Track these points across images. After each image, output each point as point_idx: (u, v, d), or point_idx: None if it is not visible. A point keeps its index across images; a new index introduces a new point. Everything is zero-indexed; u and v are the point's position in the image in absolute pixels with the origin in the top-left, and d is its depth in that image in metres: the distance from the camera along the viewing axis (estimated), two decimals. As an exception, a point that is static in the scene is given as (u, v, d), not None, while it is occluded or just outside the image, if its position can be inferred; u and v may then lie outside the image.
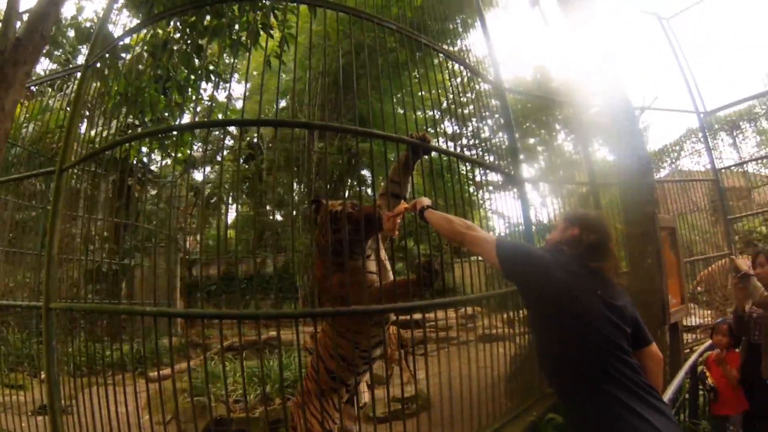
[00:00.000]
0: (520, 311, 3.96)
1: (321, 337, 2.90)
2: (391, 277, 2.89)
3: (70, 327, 3.90)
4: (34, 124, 5.67)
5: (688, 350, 4.97)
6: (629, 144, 4.46)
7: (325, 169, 9.38)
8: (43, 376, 4.81)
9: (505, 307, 3.94)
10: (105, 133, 3.85)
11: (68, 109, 4.21)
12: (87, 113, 4.24)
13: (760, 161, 9.28)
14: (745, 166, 8.62)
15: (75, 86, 3.99)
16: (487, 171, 4.22)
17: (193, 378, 4.62)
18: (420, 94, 3.60)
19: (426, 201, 2.49)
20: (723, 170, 8.03)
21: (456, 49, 4.69)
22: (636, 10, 8.35)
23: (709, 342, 4.31)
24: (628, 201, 4.25)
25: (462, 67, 3.94)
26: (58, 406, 3.36)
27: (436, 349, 5.16)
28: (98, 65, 3.87)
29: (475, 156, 3.95)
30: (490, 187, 5.83)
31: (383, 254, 2.91)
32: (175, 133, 4.95)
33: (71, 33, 5.52)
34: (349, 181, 10.00)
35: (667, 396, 2.74)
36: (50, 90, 5.64)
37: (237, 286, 2.71)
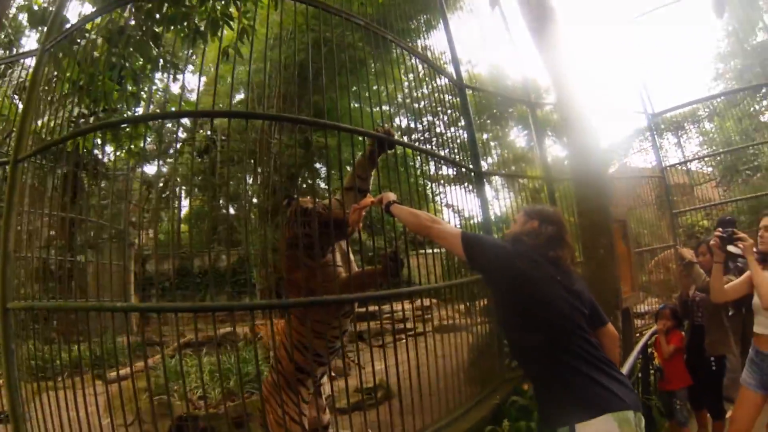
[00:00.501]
0: (477, 302, 4.09)
1: (287, 330, 2.92)
2: (356, 269, 2.94)
3: (20, 329, 3.70)
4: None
5: (638, 334, 5.25)
6: (583, 140, 4.63)
7: (282, 163, 9.28)
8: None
9: (462, 298, 4.05)
10: (53, 123, 3.68)
11: (15, 96, 3.97)
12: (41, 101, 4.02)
13: (701, 160, 9.88)
14: (688, 164, 9.13)
15: (31, 71, 3.77)
16: (444, 165, 4.29)
17: (153, 376, 4.52)
18: (380, 89, 3.59)
19: (392, 196, 2.53)
20: (669, 168, 8.49)
21: (419, 46, 4.75)
22: (597, 16, 8.69)
23: (655, 327, 4.56)
24: (582, 195, 4.42)
25: (424, 64, 3.98)
26: (20, 413, 3.20)
27: (393, 341, 5.23)
28: (54, 50, 3.68)
29: (433, 150, 4.01)
30: (442, 181, 5.94)
31: (346, 248, 2.96)
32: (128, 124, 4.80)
33: (22, 16, 5.20)
34: (306, 173, 9.89)
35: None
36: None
37: (192, 281, 2.69)
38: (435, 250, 3.70)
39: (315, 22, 3.32)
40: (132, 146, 5.19)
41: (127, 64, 4.33)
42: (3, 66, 5.28)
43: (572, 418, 1.84)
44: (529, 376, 2.16)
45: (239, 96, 11.88)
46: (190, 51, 4.07)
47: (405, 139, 4.02)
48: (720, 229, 3.25)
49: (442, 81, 4.33)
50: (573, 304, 2.01)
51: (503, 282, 2.08)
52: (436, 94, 4.18)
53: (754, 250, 3.17)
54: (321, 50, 3.18)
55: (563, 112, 4.91)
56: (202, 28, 4.50)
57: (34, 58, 3.93)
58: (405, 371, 3.04)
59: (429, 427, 3.15)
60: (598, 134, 5.04)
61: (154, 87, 4.93)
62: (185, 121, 11.77)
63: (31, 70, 4.08)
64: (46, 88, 4.09)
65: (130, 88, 4.48)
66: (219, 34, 4.21)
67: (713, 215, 9.41)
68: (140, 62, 4.70)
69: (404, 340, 3.27)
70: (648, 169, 8.80)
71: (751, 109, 10.53)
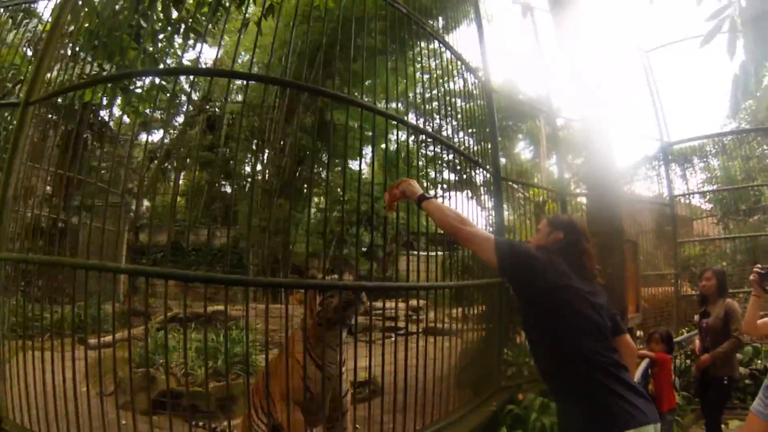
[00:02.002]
0: (472, 307, 4.05)
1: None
2: None
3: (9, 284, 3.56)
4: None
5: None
6: (602, 159, 4.60)
7: (293, 144, 9.15)
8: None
9: (457, 302, 3.99)
10: (64, 77, 3.55)
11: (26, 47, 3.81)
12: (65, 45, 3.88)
13: (703, 195, 9.93)
14: (690, 197, 9.16)
15: (54, 13, 3.63)
16: (456, 167, 4.21)
17: (138, 347, 4.39)
18: (406, 78, 3.47)
19: (417, 187, 2.40)
20: (676, 198, 8.51)
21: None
22: (620, 39, 8.73)
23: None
24: (596, 213, 4.38)
25: (457, 61, 3.89)
26: (1, 371, 3.07)
27: (382, 338, 5.18)
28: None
29: (459, 147, 3.90)
30: (445, 186, 5.85)
31: None
32: (140, 84, 4.66)
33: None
34: (314, 159, 9.71)
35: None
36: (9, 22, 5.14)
37: (184, 256, 2.59)
38: (431, 253, 3.62)
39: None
40: (140, 108, 5.04)
41: (145, 24, 4.22)
42: (20, 15, 5.13)
43: None
44: (552, 388, 2.08)
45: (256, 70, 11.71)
46: (210, 21, 3.91)
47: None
48: (759, 266, 3.33)
49: (470, 80, 4.24)
50: (599, 315, 1.97)
51: (534, 291, 2.01)
52: (463, 91, 4.09)
53: None
54: (349, 31, 3.06)
55: (583, 122, 4.88)
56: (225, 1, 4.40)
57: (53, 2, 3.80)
58: (393, 370, 3.00)
59: (428, 428, 3.08)
60: (616, 154, 5.01)
61: (174, 49, 4.78)
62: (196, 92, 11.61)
63: (46, 19, 3.95)
64: (64, 39, 3.95)
65: (149, 49, 4.36)
66: (243, 8, 4.12)
67: (709, 251, 9.47)
68: (161, 24, 4.59)
69: (393, 339, 3.19)
70: (654, 197, 8.80)
71: (759, 150, 10.59)
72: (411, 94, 3.60)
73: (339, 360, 2.93)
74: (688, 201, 9.27)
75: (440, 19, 5.19)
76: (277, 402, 2.81)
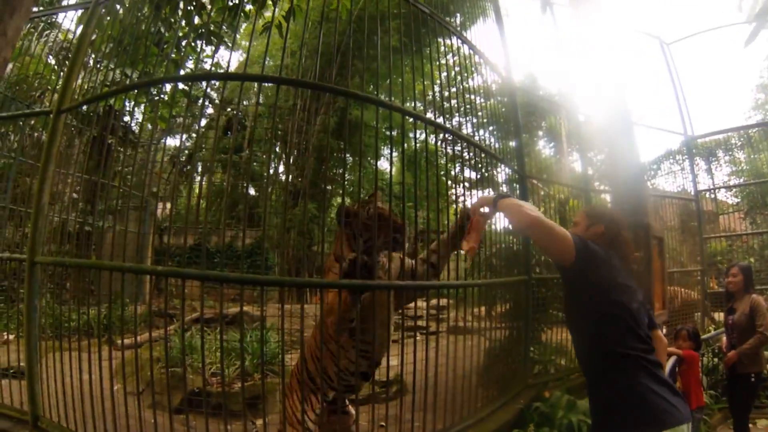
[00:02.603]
0: (497, 305, 4.04)
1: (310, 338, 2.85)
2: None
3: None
4: (13, 66, 5.31)
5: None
6: (625, 154, 4.54)
7: (314, 145, 9.19)
8: (5, 337, 4.53)
9: (482, 301, 3.98)
10: (88, 85, 3.63)
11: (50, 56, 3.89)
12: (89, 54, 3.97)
13: (729, 189, 9.70)
14: (716, 192, 8.97)
15: (85, 21, 3.72)
16: (478, 166, 4.18)
17: (168, 347, 4.47)
18: (426, 77, 3.44)
19: (491, 194, 2.32)
20: (700, 193, 8.35)
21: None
22: (641, 32, 8.59)
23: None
24: (621, 208, 4.31)
25: (478, 58, 3.88)
26: (36, 371, 3.12)
27: (412, 336, 5.18)
28: (107, 4, 3.63)
29: (484, 145, 3.88)
30: (467, 184, 5.79)
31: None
32: (166, 89, 4.74)
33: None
34: (335, 158, 9.72)
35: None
36: (33, 32, 5.29)
37: (204, 256, 2.60)
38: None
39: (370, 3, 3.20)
40: (163, 112, 5.13)
41: (167, 33, 4.29)
42: (42, 25, 5.26)
43: (632, 431, 1.79)
44: (592, 383, 2.03)
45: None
46: (235, 24, 3.97)
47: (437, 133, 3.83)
48: None
49: (492, 78, 4.23)
50: (639, 309, 1.97)
51: (596, 288, 1.97)
52: (484, 88, 4.08)
53: None
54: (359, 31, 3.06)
55: (605, 117, 4.82)
56: (249, 7, 4.45)
57: (80, 11, 3.89)
58: (419, 369, 2.99)
59: (456, 425, 3.08)
60: (637, 147, 4.94)
61: (197, 55, 4.85)
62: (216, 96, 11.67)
63: (73, 29, 4.05)
64: (90, 48, 4.04)
65: (172, 55, 4.42)
66: (267, 11, 4.15)
67: (736, 246, 9.26)
68: (185, 30, 4.66)
69: (417, 338, 3.20)
70: (679, 193, 8.64)
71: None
72: (431, 93, 3.59)
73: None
74: (713, 196, 9.08)
75: (458, 15, 5.16)
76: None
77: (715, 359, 6.02)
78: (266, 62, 4.00)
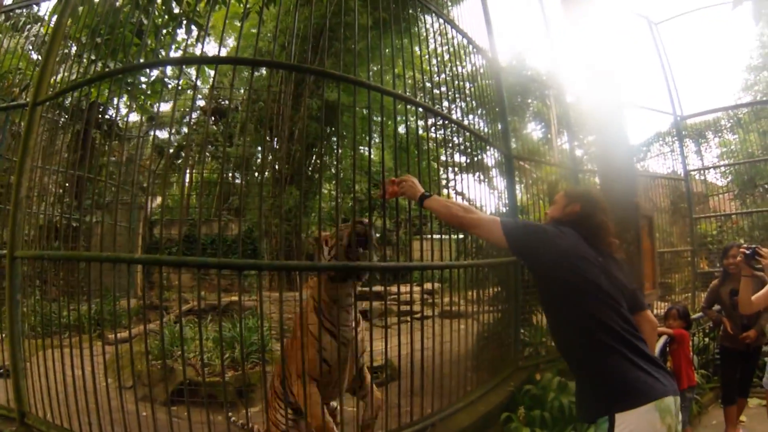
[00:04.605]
0: (487, 289, 4.04)
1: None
2: None
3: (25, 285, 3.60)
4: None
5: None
6: (615, 135, 4.52)
7: (300, 131, 9.06)
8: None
9: (470, 283, 3.97)
10: (68, 76, 3.55)
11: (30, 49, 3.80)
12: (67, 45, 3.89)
13: (718, 170, 9.73)
14: (705, 172, 9.00)
15: (58, 11, 3.63)
16: (465, 149, 4.15)
17: (155, 341, 4.44)
18: (409, 57, 3.38)
19: (419, 186, 2.40)
20: (690, 173, 8.37)
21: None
22: (628, 11, 8.53)
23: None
24: (610, 189, 4.30)
25: (462, 38, 3.82)
26: (20, 368, 3.09)
27: (398, 323, 5.16)
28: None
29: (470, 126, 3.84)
30: (456, 168, 5.76)
31: None
32: (144, 80, 4.66)
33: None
34: (324, 144, 9.62)
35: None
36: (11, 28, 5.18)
37: (180, 244, 2.57)
38: (444, 236, 3.59)
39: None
40: (147, 103, 5.05)
41: (146, 21, 4.20)
42: (23, 19, 5.16)
43: (614, 407, 1.75)
44: (571, 364, 2.04)
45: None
46: (210, 12, 3.88)
47: (426, 118, 3.78)
48: (745, 245, 3.42)
49: (478, 60, 4.17)
50: (615, 286, 1.94)
51: (545, 264, 2.00)
52: (469, 72, 4.02)
53: None
54: (350, 11, 2.99)
55: (593, 98, 4.79)
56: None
57: (54, 1, 3.80)
58: (409, 353, 2.98)
59: (446, 409, 3.07)
60: (626, 128, 4.91)
61: (176, 43, 4.77)
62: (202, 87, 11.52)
63: (50, 21, 3.95)
64: (67, 40, 3.95)
65: (150, 42, 4.34)
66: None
67: (726, 227, 9.30)
68: (163, 18, 4.57)
69: (409, 323, 3.18)
70: (669, 174, 8.65)
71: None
72: (418, 75, 3.53)
73: (355, 319, 2.78)
74: (703, 177, 9.11)
75: None
76: (293, 382, 2.78)
77: (706, 339, 6.04)
78: (245, 49, 3.91)
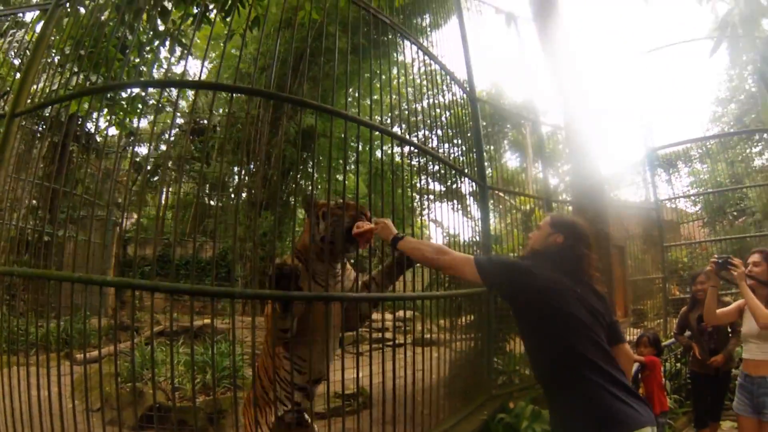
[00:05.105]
0: (461, 317, 4.06)
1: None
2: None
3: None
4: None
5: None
6: (588, 165, 4.65)
7: (277, 155, 9.08)
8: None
9: (445, 312, 3.99)
10: (49, 89, 3.52)
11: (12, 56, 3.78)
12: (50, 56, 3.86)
13: (689, 198, 10.05)
14: (676, 201, 9.28)
15: (42, 24, 3.61)
16: (438, 178, 4.20)
17: (125, 362, 4.34)
18: (385, 84, 3.45)
19: (392, 227, 2.42)
20: (661, 202, 8.62)
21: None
22: (604, 48, 8.88)
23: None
24: (582, 218, 4.39)
25: (439, 69, 3.90)
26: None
27: (370, 349, 5.13)
28: (69, 4, 3.53)
29: (444, 156, 3.90)
30: (431, 196, 5.83)
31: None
32: (124, 96, 4.64)
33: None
34: (300, 170, 9.68)
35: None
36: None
37: (154, 267, 2.53)
38: (417, 265, 3.62)
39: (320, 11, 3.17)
40: (126, 119, 5.02)
41: (130, 36, 4.20)
42: (6, 24, 5.09)
43: None
44: (549, 395, 2.05)
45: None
46: (194, 32, 3.91)
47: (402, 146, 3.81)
48: (716, 255, 3.50)
49: (454, 89, 4.26)
50: (592, 315, 1.97)
51: (522, 298, 2.05)
52: (446, 101, 4.11)
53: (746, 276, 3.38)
54: (318, 39, 3.04)
55: (568, 129, 4.93)
56: (211, 11, 4.40)
57: (38, 11, 3.79)
58: (382, 382, 2.98)
59: (419, 438, 3.05)
60: (600, 158, 5.06)
61: (159, 61, 4.77)
62: (183, 104, 11.50)
63: (34, 29, 3.94)
64: (50, 50, 3.93)
65: (133, 59, 4.33)
66: (229, 18, 4.12)
67: (696, 253, 9.56)
68: (147, 35, 4.58)
69: (382, 350, 3.17)
70: (641, 202, 8.90)
71: (743, 153, 10.77)
72: (395, 103, 3.59)
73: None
74: (674, 205, 9.39)
75: (426, 16, 5.15)
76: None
77: (678, 364, 6.16)
78: (225, 71, 3.94)
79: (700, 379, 4.67)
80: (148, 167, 11.51)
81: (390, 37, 3.48)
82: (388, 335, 6.04)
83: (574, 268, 2.08)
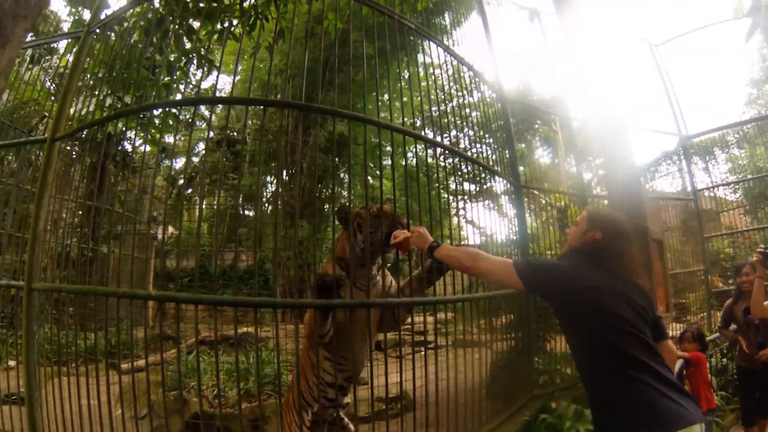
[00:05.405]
0: (500, 317, 4.02)
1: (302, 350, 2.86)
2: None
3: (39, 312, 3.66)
4: (8, 94, 5.36)
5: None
6: (621, 158, 4.55)
7: (309, 164, 9.19)
8: (7, 363, 4.54)
9: (483, 313, 3.96)
10: (84, 111, 3.68)
11: (47, 81, 3.94)
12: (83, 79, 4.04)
13: (728, 186, 9.68)
14: (715, 190, 8.96)
15: (74, 51, 3.78)
16: (473, 179, 4.18)
17: (169, 371, 4.45)
18: (413, 89, 3.45)
19: (428, 236, 2.43)
20: (699, 192, 8.35)
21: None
22: (628, 36, 8.68)
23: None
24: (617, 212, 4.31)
25: (468, 72, 3.89)
26: (36, 397, 3.11)
27: (412, 352, 5.16)
28: (99, 32, 3.68)
29: (478, 158, 3.88)
30: (465, 197, 5.80)
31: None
32: (157, 114, 4.79)
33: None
34: (332, 177, 9.79)
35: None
36: (27, 60, 5.35)
37: (197, 279, 2.59)
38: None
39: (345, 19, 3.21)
40: (158, 136, 5.18)
41: (159, 57, 4.33)
42: (39, 51, 5.33)
43: None
44: (594, 394, 2.00)
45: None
46: (223, 47, 4.01)
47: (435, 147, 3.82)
48: (762, 246, 3.47)
49: (483, 88, 4.24)
50: (637, 314, 1.93)
51: (564, 300, 2.02)
52: (475, 101, 4.09)
53: None
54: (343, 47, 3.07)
55: (598, 123, 4.84)
56: (236, 28, 4.49)
57: (69, 40, 3.96)
58: (424, 384, 2.97)
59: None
60: (633, 151, 4.94)
61: (188, 79, 4.91)
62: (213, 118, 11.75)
63: (67, 56, 4.11)
64: (83, 74, 4.10)
65: (163, 78, 4.46)
66: (254, 32, 4.20)
67: (739, 243, 9.21)
68: (175, 54, 4.71)
69: (423, 353, 3.17)
70: (677, 193, 8.64)
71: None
72: (426, 104, 3.61)
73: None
74: (713, 194, 9.06)
75: (447, 15, 5.13)
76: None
77: (724, 359, 5.95)
78: (251, 82, 4.02)
79: (747, 374, 4.48)
80: (181, 181, 11.84)
81: (413, 38, 3.48)
82: (428, 338, 6.05)
83: (615, 264, 2.03)
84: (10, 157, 5.95)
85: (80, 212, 4.94)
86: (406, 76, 3.95)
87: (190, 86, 5.96)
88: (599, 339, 1.90)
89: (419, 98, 4.37)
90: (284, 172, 10.35)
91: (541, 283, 2.07)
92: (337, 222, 2.72)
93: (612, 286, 1.95)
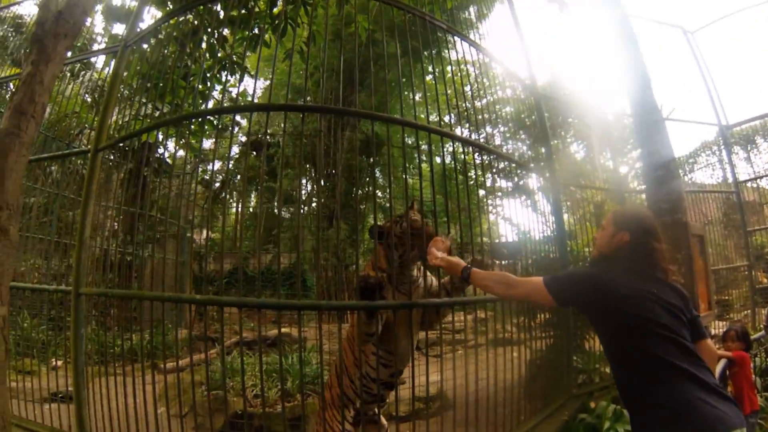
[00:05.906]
0: (537, 316, 3.98)
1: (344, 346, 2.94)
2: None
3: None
4: (50, 108, 5.60)
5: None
6: (658, 151, 4.43)
7: (344, 165, 9.28)
8: (54, 363, 4.74)
9: (519, 312, 3.92)
10: (122, 121, 3.83)
11: (85, 95, 4.11)
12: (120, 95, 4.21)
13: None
14: (758, 181, 8.61)
15: (104, 70, 3.95)
16: (507, 175, 4.14)
17: (210, 371, 4.58)
18: (446, 86, 3.45)
19: (459, 263, 2.39)
20: (741, 183, 8.04)
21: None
22: (662, 22, 8.40)
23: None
24: (657, 208, 4.20)
25: (497, 66, 3.86)
26: (84, 396, 3.26)
27: (451, 351, 5.16)
28: (136, 46, 3.83)
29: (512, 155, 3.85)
30: (500, 194, 5.74)
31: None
32: (194, 121, 4.93)
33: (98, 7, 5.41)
34: (367, 177, 9.85)
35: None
36: (68, 74, 5.58)
37: (242, 282, 2.65)
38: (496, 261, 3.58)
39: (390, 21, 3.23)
40: (194, 142, 5.32)
41: (193, 66, 4.45)
42: (78, 66, 5.55)
43: None
44: (631, 402, 1.94)
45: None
46: (258, 52, 4.09)
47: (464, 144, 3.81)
48: None
49: (515, 85, 4.20)
50: (672, 316, 1.89)
51: (597, 309, 1.99)
52: (507, 97, 4.06)
53: None
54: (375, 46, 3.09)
55: (635, 114, 4.72)
56: (267, 34, 4.57)
57: (106, 56, 4.12)
58: (462, 384, 2.97)
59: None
60: (670, 142, 4.80)
61: (223, 87, 5.03)
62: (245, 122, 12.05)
63: (106, 69, 4.29)
64: (121, 86, 4.25)
65: (198, 87, 4.57)
66: (282, 40, 4.27)
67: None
68: (209, 62, 4.83)
69: (461, 352, 3.17)
70: (717, 185, 8.33)
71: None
72: (461, 103, 3.59)
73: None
74: (755, 185, 8.71)
75: (471, 9, 5.07)
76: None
77: (770, 359, 5.72)
78: (289, 87, 4.10)
79: None
80: (217, 185, 12.11)
81: (442, 36, 3.48)
82: (461, 336, 6.04)
83: (646, 265, 2.00)
84: (53, 168, 6.22)
85: (121, 217, 5.11)
86: (436, 74, 3.93)
87: (226, 93, 6.10)
88: (635, 348, 1.86)
89: (452, 96, 4.37)
90: (320, 174, 10.49)
91: (572, 297, 2.05)
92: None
93: (646, 291, 1.91)
